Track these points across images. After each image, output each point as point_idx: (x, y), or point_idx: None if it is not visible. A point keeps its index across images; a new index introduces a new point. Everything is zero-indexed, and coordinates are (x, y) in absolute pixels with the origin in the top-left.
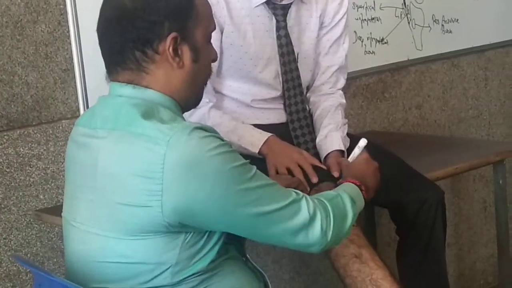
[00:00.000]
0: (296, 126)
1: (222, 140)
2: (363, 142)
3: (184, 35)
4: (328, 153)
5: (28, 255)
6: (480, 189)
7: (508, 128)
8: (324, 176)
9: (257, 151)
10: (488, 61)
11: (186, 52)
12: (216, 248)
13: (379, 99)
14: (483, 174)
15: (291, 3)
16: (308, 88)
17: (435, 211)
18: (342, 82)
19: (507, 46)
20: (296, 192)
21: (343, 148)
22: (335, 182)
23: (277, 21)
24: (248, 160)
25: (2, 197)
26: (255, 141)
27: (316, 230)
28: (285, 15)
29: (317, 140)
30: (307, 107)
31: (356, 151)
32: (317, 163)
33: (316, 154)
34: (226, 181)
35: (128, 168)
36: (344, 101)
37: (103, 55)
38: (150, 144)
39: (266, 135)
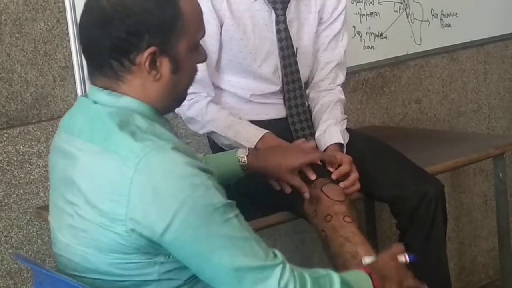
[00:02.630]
0: (296, 121)
1: (200, 167)
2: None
3: (164, 48)
4: (327, 147)
5: (29, 252)
6: (480, 182)
7: (507, 121)
8: (319, 172)
9: (252, 148)
10: (488, 55)
11: (165, 65)
12: None
13: (379, 93)
14: (483, 168)
15: None
16: (306, 84)
17: (435, 204)
18: (341, 78)
19: (506, 39)
20: (275, 255)
21: (341, 141)
22: (330, 177)
23: (277, 15)
24: (229, 201)
25: (2, 195)
26: (251, 137)
27: None
28: (284, 9)
29: (316, 135)
30: (306, 102)
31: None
32: None
33: None
34: (193, 217)
35: (97, 188)
36: (343, 97)
37: (83, 53)
38: (120, 164)
39: (262, 131)
